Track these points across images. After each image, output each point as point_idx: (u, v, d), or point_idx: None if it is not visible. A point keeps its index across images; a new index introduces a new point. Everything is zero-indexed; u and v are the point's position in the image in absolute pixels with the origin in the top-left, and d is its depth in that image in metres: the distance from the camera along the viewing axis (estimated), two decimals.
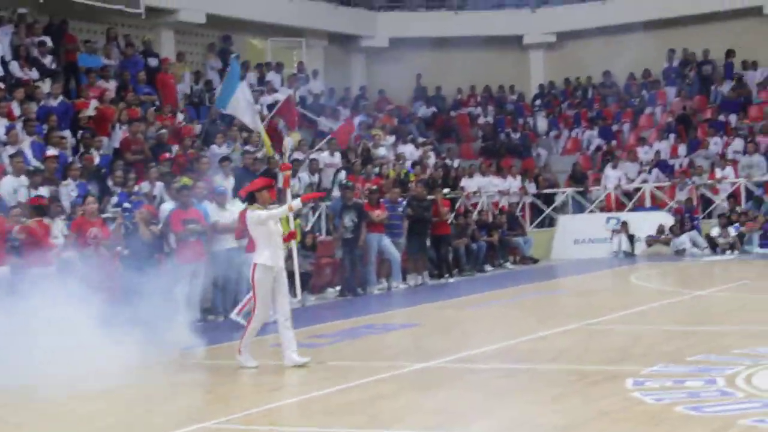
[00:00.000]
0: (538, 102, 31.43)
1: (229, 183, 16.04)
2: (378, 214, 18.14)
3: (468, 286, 18.45)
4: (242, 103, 13.76)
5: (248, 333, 9.98)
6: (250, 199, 10.03)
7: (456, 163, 26.49)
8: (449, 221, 20.62)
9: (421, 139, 27.19)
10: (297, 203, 10.23)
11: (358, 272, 17.74)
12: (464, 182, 24.58)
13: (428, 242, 19.67)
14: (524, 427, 7.02)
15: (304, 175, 19.23)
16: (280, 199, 11.47)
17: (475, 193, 24.56)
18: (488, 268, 21.73)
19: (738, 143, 25.98)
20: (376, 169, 21.26)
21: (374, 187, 19.11)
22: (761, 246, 22.12)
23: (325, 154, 20.58)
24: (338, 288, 17.75)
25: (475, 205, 24.12)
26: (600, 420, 6.97)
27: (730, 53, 28.98)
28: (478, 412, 7.49)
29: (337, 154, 20.80)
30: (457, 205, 22.55)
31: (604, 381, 8.45)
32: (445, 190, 21.59)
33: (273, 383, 9.31)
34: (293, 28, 28.04)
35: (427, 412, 7.59)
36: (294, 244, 10.97)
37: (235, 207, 15.50)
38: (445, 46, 31.22)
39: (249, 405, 8.17)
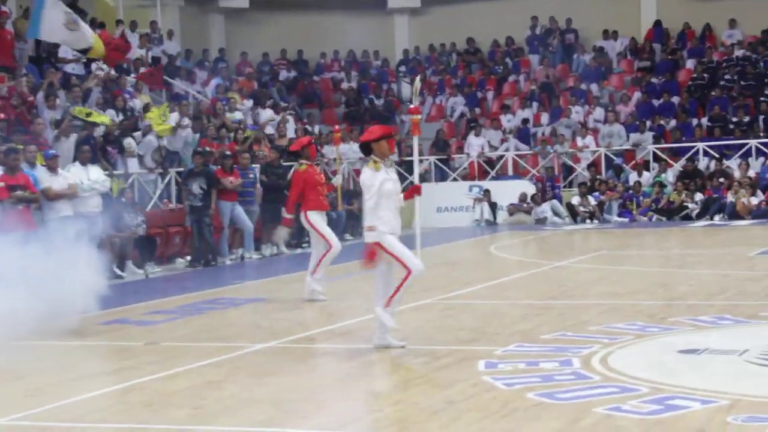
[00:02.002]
0: (402, 68, 30.85)
1: (63, 146, 14.88)
2: (231, 180, 17.24)
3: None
4: (55, 24, 12.34)
5: (405, 289, 8.44)
6: (366, 150, 8.46)
7: (317, 129, 25.70)
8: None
9: (282, 104, 26.30)
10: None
11: (208, 242, 16.80)
12: (325, 149, 23.81)
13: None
14: (359, 423, 6.33)
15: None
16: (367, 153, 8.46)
17: (335, 160, 23.81)
18: (348, 237, 21.08)
19: (599, 112, 25.99)
20: (231, 134, 20.28)
21: (228, 152, 18.18)
22: (620, 215, 22.11)
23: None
24: (188, 258, 16.81)
25: (335, 172, 23.38)
26: (444, 412, 6.33)
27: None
28: (313, 404, 6.78)
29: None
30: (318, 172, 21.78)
31: (454, 364, 7.84)
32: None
33: (94, 369, 8.39)
34: None
35: (258, 402, 6.83)
36: (418, 201, 8.97)
37: (71, 172, 14.43)
38: (308, 9, 30.32)
39: (59, 396, 7.26)
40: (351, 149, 24.49)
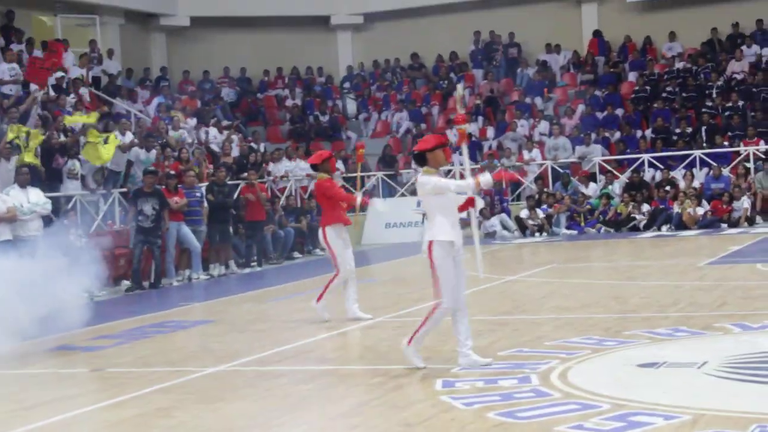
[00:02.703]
0: (347, 84, 30.74)
1: (1, 169, 14.49)
2: (176, 200, 16.95)
3: (275, 276, 17.51)
4: None
5: (428, 325, 8.12)
6: (420, 160, 8.16)
7: (263, 146, 25.44)
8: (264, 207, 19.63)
9: (225, 122, 26.01)
10: (487, 180, 8.01)
11: (157, 264, 16.46)
12: (271, 167, 23.57)
13: (233, 230, 18.67)
14: None
15: None
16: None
17: (282, 177, 23.60)
18: (297, 255, 20.87)
19: (544, 125, 26.07)
20: (175, 153, 19.96)
21: (172, 172, 17.87)
22: (568, 227, 22.13)
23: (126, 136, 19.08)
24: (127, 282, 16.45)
25: (282, 189, 23.17)
26: None
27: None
28: (267, 431, 6.54)
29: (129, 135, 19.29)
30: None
31: (411, 383, 7.67)
32: (244, 175, 20.49)
33: (37, 398, 8.07)
34: (86, 3, 26.27)
35: (208, 431, 6.59)
36: (473, 212, 8.62)
37: (9, 195, 14.05)
38: (251, 27, 30.10)
39: (2, 428, 6.95)
40: (297, 166, 24.29)
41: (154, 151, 18.90)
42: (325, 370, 8.55)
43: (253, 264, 18.78)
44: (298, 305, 13.20)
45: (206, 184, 18.41)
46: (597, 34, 28.74)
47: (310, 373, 8.44)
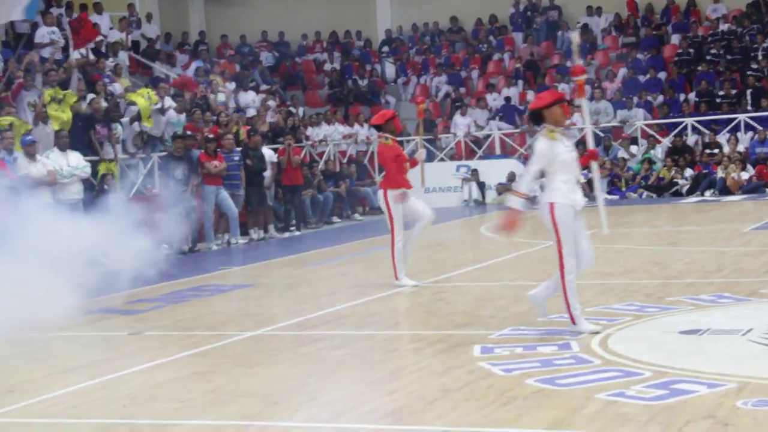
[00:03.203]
0: (385, 48, 30.48)
1: (42, 132, 14.53)
2: (216, 165, 16.93)
3: (313, 240, 17.47)
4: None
5: (570, 291, 7.71)
6: (537, 118, 7.75)
7: (301, 111, 25.36)
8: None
9: (264, 87, 25.95)
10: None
11: (192, 228, 16.47)
12: (309, 131, 23.51)
13: (275, 194, 18.68)
14: (351, 414, 6.05)
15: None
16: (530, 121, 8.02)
17: (321, 141, 23.54)
18: (336, 219, 20.84)
19: (585, 89, 25.67)
20: (215, 118, 19.92)
21: (211, 136, 17.84)
22: (610, 192, 21.88)
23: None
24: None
25: (321, 154, 23.11)
26: (440, 402, 6.08)
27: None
28: (304, 395, 6.49)
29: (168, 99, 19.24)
30: (303, 155, 21.48)
31: (449, 349, 7.58)
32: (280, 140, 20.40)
33: (76, 361, 8.09)
34: None
35: (246, 395, 6.56)
36: (596, 167, 8.49)
37: (50, 158, 14.10)
38: None
39: (40, 391, 6.98)
40: (336, 131, 24.22)
41: (184, 114, 18.83)
42: (363, 335, 8.48)
43: (292, 228, 18.77)
44: (337, 269, 13.20)
45: (242, 148, 18.36)
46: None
47: (348, 337, 8.38)
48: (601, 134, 23.70)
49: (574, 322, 7.75)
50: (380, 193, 11.01)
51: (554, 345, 7.44)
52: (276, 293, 11.23)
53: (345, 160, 23.13)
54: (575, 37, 8.49)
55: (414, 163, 11.22)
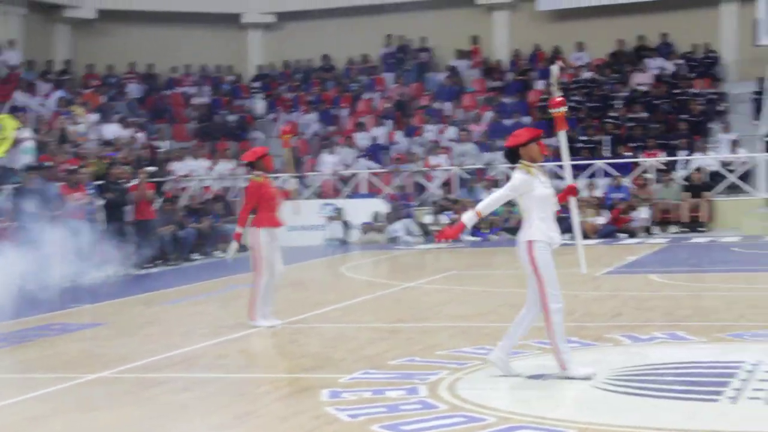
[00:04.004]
0: (256, 84, 30.39)
1: None
2: (77, 197, 16.47)
3: (172, 278, 17.12)
4: None
5: (557, 336, 7.46)
6: (512, 156, 7.60)
7: (167, 144, 24.99)
8: (154, 206, 19.16)
9: (131, 119, 25.47)
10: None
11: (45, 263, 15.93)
12: (174, 165, 23.16)
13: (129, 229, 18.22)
14: None
15: None
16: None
17: (185, 176, 23.21)
18: (196, 257, 20.49)
19: (452, 131, 26.11)
20: (74, 149, 19.45)
21: (72, 167, 17.37)
22: (472, 234, 22.16)
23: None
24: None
25: (185, 189, 22.78)
26: None
27: (475, 39, 28.99)
28: None
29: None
30: (165, 189, 21.14)
31: (296, 393, 7.48)
32: (150, 168, 20.03)
33: None
34: None
35: None
36: (574, 203, 8.11)
37: None
38: (159, 22, 29.57)
39: None
40: (200, 166, 23.92)
41: (32, 142, 18.27)
42: (211, 377, 8.30)
43: (149, 265, 18.35)
44: (192, 308, 12.94)
45: (101, 182, 17.93)
46: (508, 43, 28.93)
47: (195, 380, 8.18)
48: (466, 176, 24.06)
49: (563, 367, 7.45)
50: (252, 231, 10.79)
51: (402, 389, 7.41)
52: (126, 333, 10.90)
53: (210, 196, 22.82)
54: (555, 69, 8.17)
55: (287, 195, 11.10)
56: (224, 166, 24.47)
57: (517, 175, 7.49)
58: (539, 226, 7.48)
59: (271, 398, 7.39)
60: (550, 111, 7.70)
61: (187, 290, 14.94)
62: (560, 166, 7.69)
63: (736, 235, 20.30)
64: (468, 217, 7.51)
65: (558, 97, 7.68)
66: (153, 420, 6.87)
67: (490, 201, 7.60)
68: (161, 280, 16.82)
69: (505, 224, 22.16)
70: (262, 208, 10.71)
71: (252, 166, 10.87)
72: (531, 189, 7.44)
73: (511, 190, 7.52)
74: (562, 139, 7.76)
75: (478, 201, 22.84)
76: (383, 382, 7.72)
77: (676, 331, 9.35)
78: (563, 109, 7.64)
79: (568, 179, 7.89)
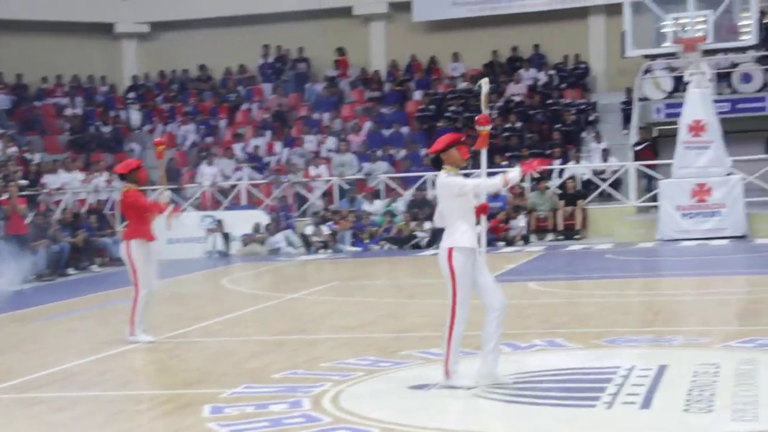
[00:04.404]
0: (131, 94, 29.85)
1: None
2: None
3: (46, 294, 16.63)
4: None
5: (453, 343, 7.47)
6: (436, 162, 7.52)
7: (39, 157, 24.32)
8: (27, 220, 18.64)
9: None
10: (515, 175, 7.30)
11: None
12: (46, 178, 22.55)
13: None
14: None
15: None
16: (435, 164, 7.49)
17: (59, 189, 22.62)
18: (72, 271, 19.97)
19: (331, 141, 26.15)
20: None
21: None
22: (353, 244, 22.23)
23: None
24: None
25: (58, 202, 22.20)
26: None
27: (341, 51, 29.16)
28: None
29: None
30: (37, 202, 20.56)
31: (177, 409, 7.35)
32: (21, 182, 19.48)
33: None
34: None
35: None
36: (484, 221, 7.92)
37: None
38: (28, 30, 28.77)
39: None
40: (74, 178, 23.36)
41: None
42: (89, 396, 8.10)
43: (25, 281, 17.79)
44: (69, 324, 12.62)
45: None
46: (385, 53, 29.18)
47: (72, 399, 7.96)
48: (346, 186, 24.12)
49: (448, 377, 7.48)
50: (123, 244, 10.66)
51: (286, 403, 7.36)
52: (1, 351, 10.54)
53: (84, 210, 22.29)
54: (484, 85, 7.95)
55: (162, 208, 10.87)
56: (99, 178, 23.95)
57: (446, 179, 7.44)
58: (464, 233, 7.42)
59: (151, 415, 7.25)
60: (476, 128, 7.64)
61: (63, 306, 14.56)
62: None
63: (609, 242, 20.87)
64: (515, 172, 7.34)
65: (485, 114, 7.66)
66: None
67: (486, 179, 7.54)
68: (36, 296, 16.32)
69: (385, 234, 22.29)
70: (133, 220, 10.58)
71: (125, 178, 10.73)
72: (466, 195, 7.43)
73: (465, 183, 7.41)
74: (482, 156, 7.69)
75: (359, 211, 22.94)
76: (266, 395, 7.66)
77: (555, 338, 9.55)
78: (488, 127, 7.61)
79: (482, 197, 7.84)
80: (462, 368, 7.62)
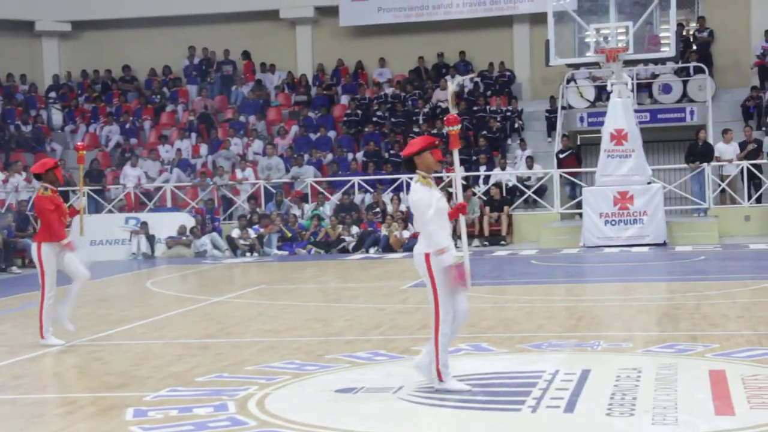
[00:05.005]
0: (52, 94, 29.33)
1: None
2: None
3: None
4: None
5: (441, 345, 7.33)
6: (409, 165, 7.45)
7: None
8: None
9: None
10: (449, 258, 7.33)
11: None
12: None
13: None
14: None
15: None
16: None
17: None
18: None
19: (258, 144, 26.01)
20: None
21: None
22: (280, 248, 22.12)
23: None
24: None
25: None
26: None
27: (246, 54, 29.16)
28: None
29: None
30: None
31: (100, 413, 7.23)
32: None
33: None
34: None
35: None
36: (463, 221, 7.90)
37: None
38: None
39: None
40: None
41: None
42: (6, 399, 7.91)
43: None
44: None
45: None
46: (312, 57, 29.15)
47: None
48: (273, 190, 24.01)
49: (441, 379, 7.42)
50: (34, 246, 10.51)
51: (211, 406, 7.29)
52: None
53: (3, 210, 21.82)
54: (450, 86, 7.89)
55: (73, 213, 10.82)
56: (18, 178, 23.47)
57: (420, 194, 7.38)
58: (441, 235, 7.36)
59: (72, 419, 7.11)
60: (446, 128, 7.58)
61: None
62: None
63: (534, 248, 21.10)
64: (450, 257, 7.34)
65: (453, 114, 7.60)
66: None
67: (432, 232, 7.34)
68: None
69: (313, 238, 22.22)
70: (46, 222, 10.45)
71: (41, 178, 10.58)
72: (435, 201, 7.36)
73: (428, 209, 7.32)
74: (455, 156, 7.66)
75: (286, 214, 22.81)
76: (191, 399, 7.58)
77: (480, 343, 9.61)
78: (457, 127, 7.53)
79: (459, 197, 7.81)
80: (386, 370, 7.62)
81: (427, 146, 7.46)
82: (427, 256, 7.38)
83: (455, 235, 7.85)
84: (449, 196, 7.50)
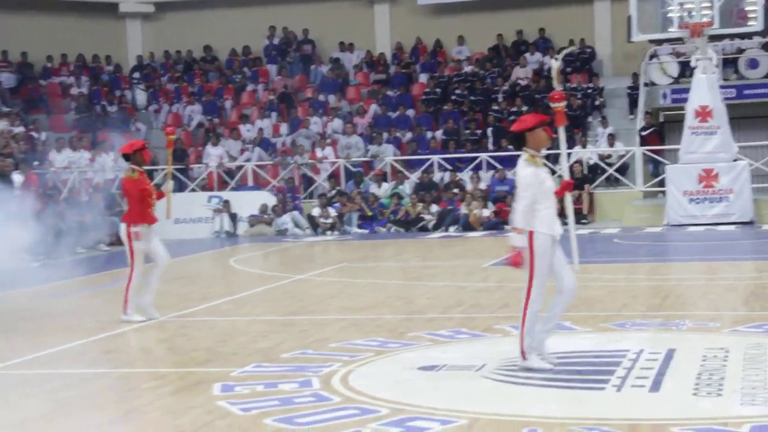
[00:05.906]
0: (136, 74, 29.80)
1: None
2: None
3: (53, 270, 16.60)
4: None
5: (527, 325, 7.36)
6: (518, 141, 7.47)
7: (44, 135, 24.30)
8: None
9: (4, 110, 24.68)
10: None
11: None
12: (52, 156, 22.56)
13: None
14: None
15: None
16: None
17: (65, 168, 22.62)
18: (81, 250, 19.97)
19: (337, 123, 26.12)
20: None
21: None
22: (360, 226, 22.23)
23: None
24: None
25: (65, 181, 22.20)
26: None
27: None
28: None
29: None
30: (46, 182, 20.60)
31: (188, 388, 7.38)
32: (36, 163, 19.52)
33: None
34: None
35: None
36: (569, 198, 7.87)
37: None
38: (33, 8, 28.67)
39: None
40: (82, 157, 23.36)
41: None
42: (97, 373, 8.12)
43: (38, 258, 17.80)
44: (78, 303, 12.64)
45: None
46: (390, 36, 29.13)
47: (80, 376, 7.99)
48: (353, 168, 24.11)
49: (524, 358, 7.42)
50: (122, 226, 10.73)
51: (295, 382, 7.39)
52: (7, 328, 10.57)
53: (91, 189, 22.29)
54: (555, 63, 7.94)
55: (161, 195, 11.01)
56: (106, 158, 23.94)
57: (525, 172, 7.34)
58: (543, 217, 7.34)
59: (161, 393, 7.27)
60: (550, 105, 7.57)
61: (72, 284, 14.57)
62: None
63: (616, 226, 20.86)
64: (519, 239, 7.32)
65: (559, 90, 7.59)
66: (39, 419, 6.69)
67: (521, 211, 7.34)
68: (39, 273, 16.33)
69: (392, 216, 22.28)
70: (134, 203, 10.62)
71: (128, 158, 10.75)
72: (541, 181, 7.32)
73: (528, 189, 7.30)
74: (561, 133, 7.59)
75: (366, 193, 22.99)
76: (276, 375, 7.68)
77: (563, 322, 9.53)
78: (563, 103, 7.49)
79: (566, 174, 7.82)
80: (468, 350, 7.62)
81: (540, 123, 7.41)
82: (531, 234, 7.31)
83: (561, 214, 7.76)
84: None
